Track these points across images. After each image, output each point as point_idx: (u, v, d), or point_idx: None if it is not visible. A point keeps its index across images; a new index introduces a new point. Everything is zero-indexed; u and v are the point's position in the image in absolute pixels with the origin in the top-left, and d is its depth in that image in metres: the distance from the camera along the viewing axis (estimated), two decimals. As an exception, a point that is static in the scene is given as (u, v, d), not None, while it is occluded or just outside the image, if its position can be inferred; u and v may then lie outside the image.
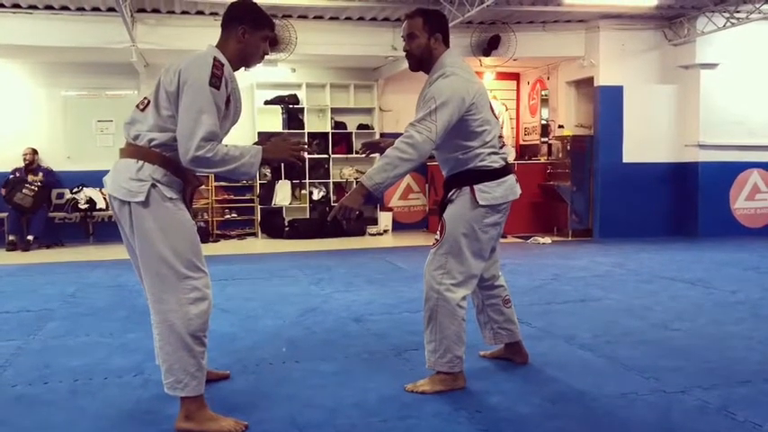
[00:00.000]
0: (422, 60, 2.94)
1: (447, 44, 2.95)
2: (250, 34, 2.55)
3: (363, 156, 3.02)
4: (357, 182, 2.73)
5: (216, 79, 2.39)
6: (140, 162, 2.43)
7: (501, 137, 3.01)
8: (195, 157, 2.35)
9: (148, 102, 2.49)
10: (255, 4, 2.64)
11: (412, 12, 2.95)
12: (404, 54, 3.01)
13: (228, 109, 2.50)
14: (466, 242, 2.85)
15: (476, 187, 2.84)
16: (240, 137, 2.60)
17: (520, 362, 3.26)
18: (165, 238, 2.42)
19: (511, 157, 9.52)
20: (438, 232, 2.92)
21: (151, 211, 2.41)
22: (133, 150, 2.47)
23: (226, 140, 2.52)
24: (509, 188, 2.92)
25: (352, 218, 2.72)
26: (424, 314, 2.91)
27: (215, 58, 2.43)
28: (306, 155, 2.68)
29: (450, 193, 2.93)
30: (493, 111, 2.98)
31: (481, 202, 2.84)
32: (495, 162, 2.89)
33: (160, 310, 2.44)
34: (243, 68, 2.66)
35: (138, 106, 2.53)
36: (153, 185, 2.41)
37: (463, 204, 2.86)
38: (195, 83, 2.37)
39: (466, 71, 2.89)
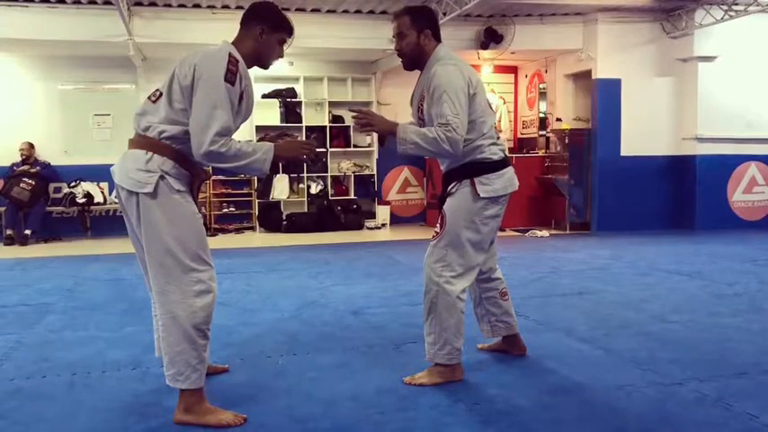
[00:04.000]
0: (414, 58, 2.94)
1: (438, 39, 2.94)
2: (268, 35, 2.57)
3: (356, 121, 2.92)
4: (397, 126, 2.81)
5: (231, 75, 2.40)
6: (150, 153, 2.43)
7: (497, 129, 3.02)
8: (208, 152, 2.37)
9: (161, 94, 2.49)
10: (277, 7, 2.66)
11: (399, 11, 2.95)
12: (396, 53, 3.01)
13: (241, 105, 2.51)
14: (466, 234, 2.85)
15: (476, 179, 2.85)
16: (238, 130, 2.62)
17: (518, 354, 3.27)
18: (172, 229, 2.42)
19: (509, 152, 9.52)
20: (438, 225, 2.92)
21: (159, 202, 2.41)
22: (143, 141, 2.47)
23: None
24: (509, 180, 2.93)
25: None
26: (423, 306, 2.91)
27: (230, 54, 2.44)
28: (312, 157, 2.74)
29: (451, 186, 2.93)
30: (488, 102, 2.98)
31: (482, 195, 2.84)
32: (495, 154, 2.89)
33: (164, 301, 2.44)
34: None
35: (149, 98, 2.53)
36: (161, 177, 2.41)
37: (464, 197, 2.86)
38: (210, 78, 2.38)
39: (462, 62, 2.89)
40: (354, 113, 2.91)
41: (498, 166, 2.89)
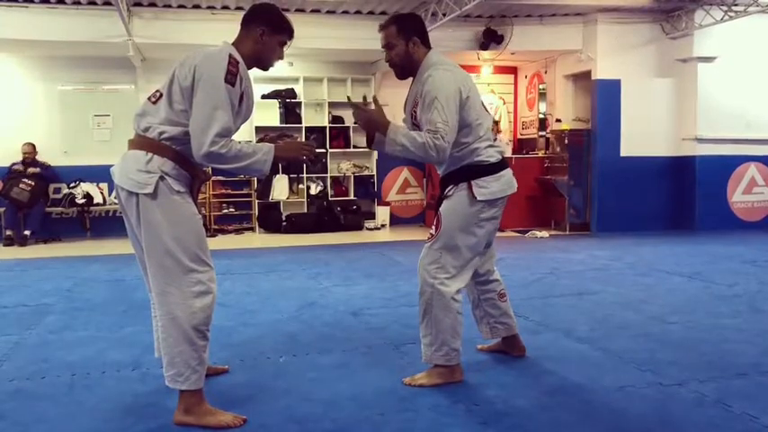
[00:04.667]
0: (405, 67, 2.94)
1: (427, 45, 2.93)
2: (269, 37, 2.58)
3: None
4: (389, 126, 2.79)
5: (231, 76, 2.41)
6: (150, 154, 2.44)
7: (494, 130, 3.01)
8: (209, 153, 2.37)
9: (160, 95, 2.49)
10: (278, 8, 2.67)
11: (385, 22, 2.94)
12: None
13: (241, 106, 2.51)
14: (461, 237, 2.84)
15: (473, 182, 2.84)
16: (237, 131, 2.62)
17: (517, 355, 3.27)
18: (172, 230, 2.42)
19: (508, 152, 9.53)
20: (433, 227, 2.92)
21: (159, 203, 2.42)
22: (143, 142, 2.47)
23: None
24: (506, 182, 2.92)
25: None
26: (419, 308, 2.91)
27: (230, 55, 2.45)
28: (312, 158, 2.75)
29: (448, 189, 2.93)
30: (483, 103, 2.98)
31: (479, 198, 2.83)
32: (492, 156, 2.89)
33: (164, 302, 2.44)
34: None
35: (149, 98, 2.54)
36: (161, 178, 2.42)
37: (460, 200, 2.86)
38: (210, 79, 2.38)
39: (454, 67, 2.89)
40: (353, 104, 2.90)
41: (495, 169, 2.88)
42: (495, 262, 3.20)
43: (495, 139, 2.95)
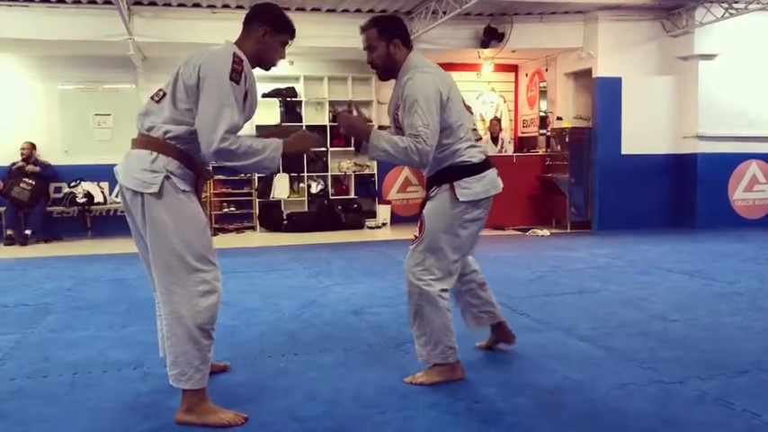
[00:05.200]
0: (387, 69, 2.95)
1: (408, 46, 2.94)
2: (271, 36, 2.59)
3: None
4: (373, 131, 2.79)
5: (236, 74, 2.42)
6: (154, 153, 2.44)
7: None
8: (219, 149, 2.37)
9: (164, 94, 2.49)
10: (280, 8, 2.68)
11: (365, 24, 2.96)
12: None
13: (245, 104, 2.52)
14: (445, 238, 2.84)
15: (455, 183, 2.84)
16: (240, 130, 2.63)
17: (508, 342, 3.29)
18: (177, 230, 2.43)
19: (509, 150, 9.53)
20: (417, 229, 2.92)
21: (164, 202, 2.42)
22: (147, 141, 2.48)
23: None
24: (490, 182, 2.91)
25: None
26: (408, 310, 2.92)
27: (235, 54, 2.46)
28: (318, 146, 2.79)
29: (431, 190, 2.93)
30: (465, 103, 2.98)
31: (461, 199, 2.83)
32: (474, 157, 2.88)
33: (169, 301, 2.45)
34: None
35: (153, 98, 2.54)
36: (167, 177, 2.42)
37: (443, 201, 2.86)
38: (216, 77, 2.39)
39: (435, 68, 2.89)
40: (336, 115, 2.92)
41: (478, 169, 2.87)
42: (474, 254, 3.18)
43: (478, 139, 2.96)
